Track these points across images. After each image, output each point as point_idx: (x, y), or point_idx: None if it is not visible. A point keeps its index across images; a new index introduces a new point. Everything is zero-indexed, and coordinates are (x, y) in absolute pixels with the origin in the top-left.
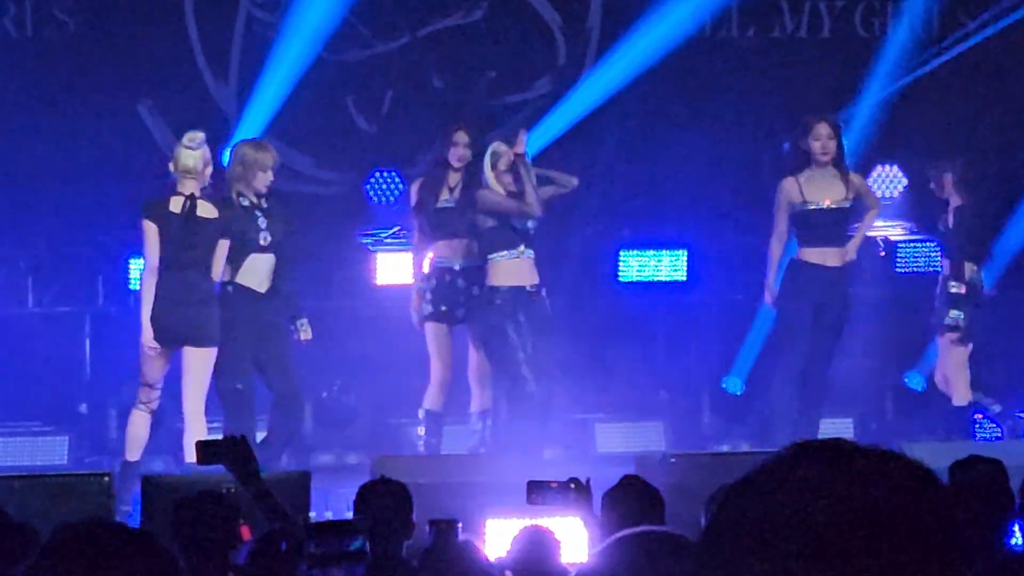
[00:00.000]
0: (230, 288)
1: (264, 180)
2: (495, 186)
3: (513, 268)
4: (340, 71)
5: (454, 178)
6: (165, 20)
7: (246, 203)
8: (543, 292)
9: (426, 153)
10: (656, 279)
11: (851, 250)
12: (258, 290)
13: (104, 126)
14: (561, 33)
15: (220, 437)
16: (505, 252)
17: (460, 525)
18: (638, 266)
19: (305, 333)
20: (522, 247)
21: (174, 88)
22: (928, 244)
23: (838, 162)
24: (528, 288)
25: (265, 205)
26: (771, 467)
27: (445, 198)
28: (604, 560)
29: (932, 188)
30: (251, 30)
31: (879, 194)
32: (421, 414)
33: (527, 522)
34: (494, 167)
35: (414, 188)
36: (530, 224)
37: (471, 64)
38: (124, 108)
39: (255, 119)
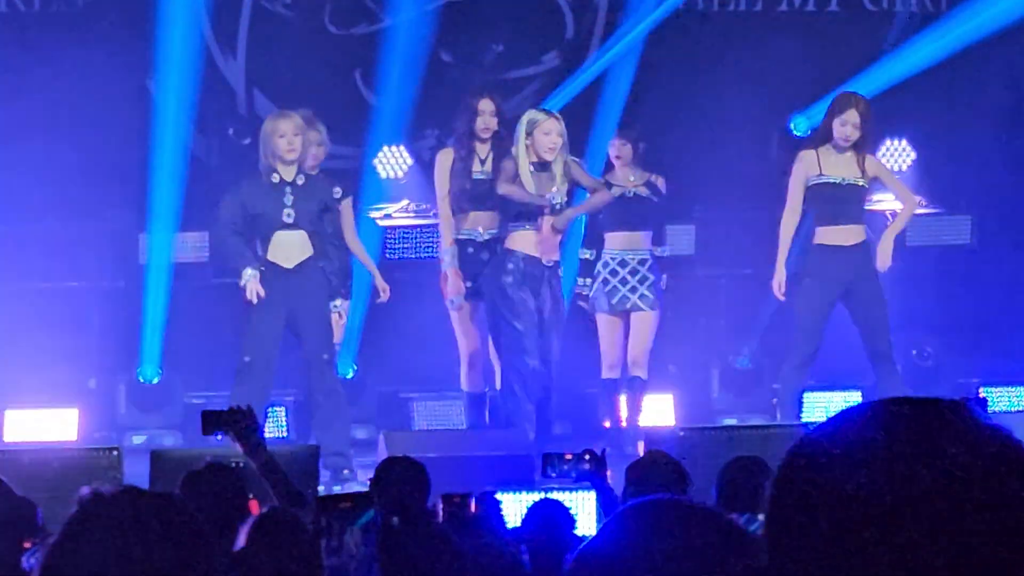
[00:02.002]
0: (260, 265)
1: (284, 145)
2: (523, 156)
3: (531, 239)
4: (348, 45)
5: (483, 149)
6: None
7: (276, 179)
8: (559, 270)
9: (433, 128)
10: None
11: (886, 246)
12: (285, 266)
13: (113, 101)
14: (568, 7)
15: (223, 408)
16: (527, 223)
17: (473, 500)
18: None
19: (339, 317)
20: (546, 219)
21: (182, 63)
22: (940, 217)
23: (859, 145)
24: (544, 262)
25: (300, 182)
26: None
27: (478, 170)
28: (612, 531)
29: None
30: (259, 5)
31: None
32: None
33: (540, 496)
34: (529, 134)
35: (442, 162)
36: (556, 200)
37: (479, 38)
38: (133, 83)
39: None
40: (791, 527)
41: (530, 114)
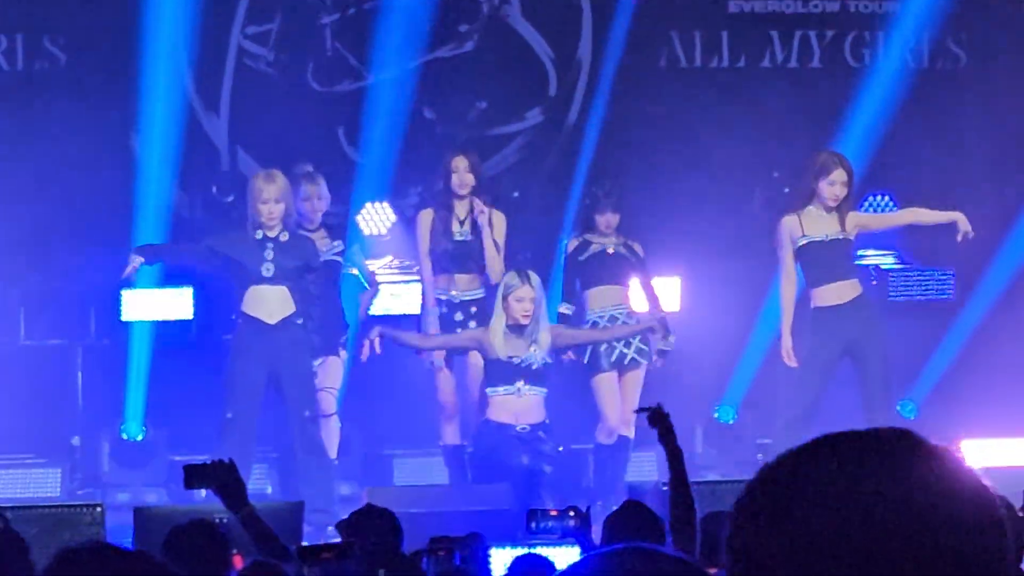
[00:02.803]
0: (236, 317)
1: (265, 212)
2: (499, 316)
3: (504, 405)
4: (331, 102)
5: (462, 209)
6: (156, 52)
7: (259, 235)
8: (541, 433)
9: (416, 184)
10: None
11: (950, 216)
12: (267, 321)
13: (96, 159)
14: (552, 64)
15: (208, 461)
16: (500, 388)
17: (459, 546)
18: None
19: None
20: (520, 383)
21: (166, 120)
22: (923, 272)
23: (840, 205)
24: (517, 428)
25: (283, 239)
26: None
27: (457, 230)
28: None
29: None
30: (242, 62)
31: None
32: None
33: (524, 551)
34: (504, 297)
35: (423, 222)
36: (534, 359)
37: (462, 95)
38: (116, 141)
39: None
40: (753, 569)
41: (508, 276)
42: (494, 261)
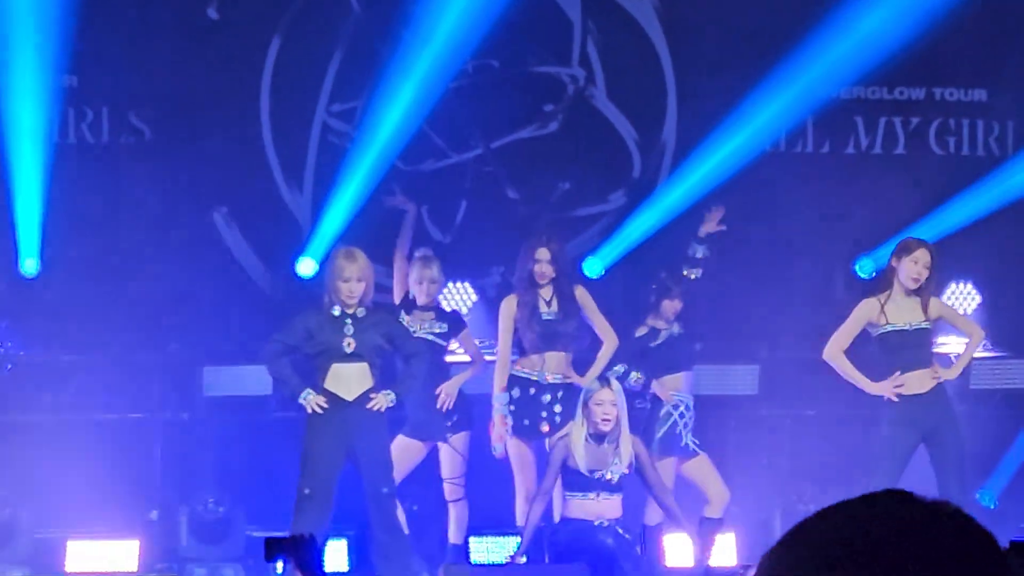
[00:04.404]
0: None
1: (345, 291)
2: (579, 426)
3: (583, 507)
4: (414, 181)
5: (547, 291)
6: (240, 128)
7: (337, 311)
8: (619, 529)
9: (498, 264)
10: (728, 392)
11: (955, 371)
12: (345, 397)
13: (178, 233)
14: (636, 146)
15: (287, 535)
16: (579, 494)
17: None
18: (712, 380)
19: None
20: (594, 493)
21: (249, 196)
22: (1005, 360)
23: (923, 289)
24: (595, 524)
25: (360, 314)
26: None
27: (545, 311)
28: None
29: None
30: (326, 139)
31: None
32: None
33: None
34: (584, 404)
35: (507, 307)
36: (610, 475)
37: (545, 176)
38: (199, 216)
39: (329, 228)
40: None
41: (588, 384)
42: (604, 329)
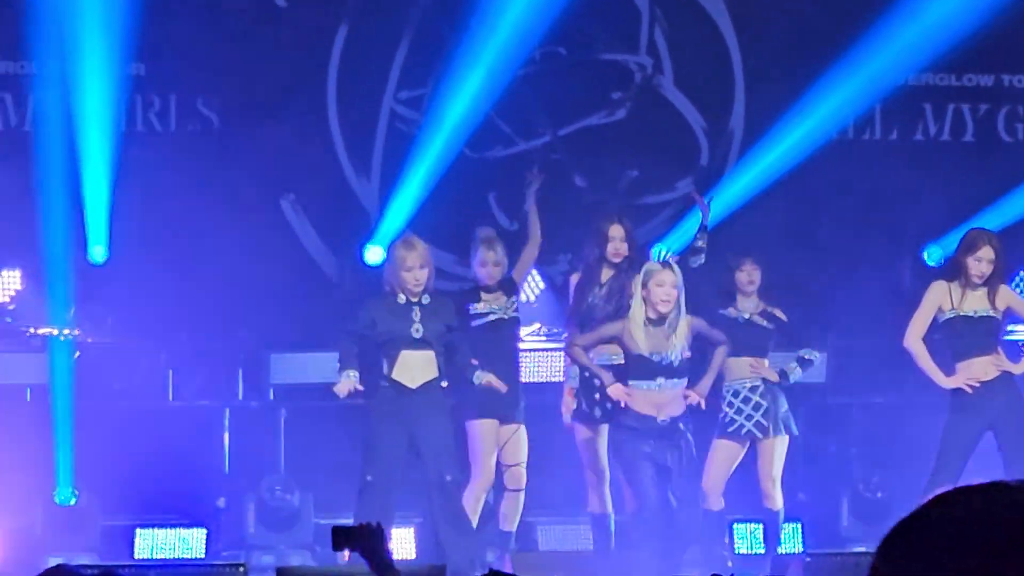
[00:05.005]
0: (384, 383)
1: (411, 280)
2: (639, 308)
3: (645, 398)
4: (482, 168)
5: (606, 274)
6: (308, 116)
7: (403, 299)
8: (682, 425)
9: (565, 252)
10: (796, 381)
11: (1022, 366)
12: (408, 385)
13: (246, 221)
14: (703, 133)
15: (353, 523)
16: (642, 383)
17: None
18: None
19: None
20: (660, 379)
21: (316, 184)
22: None
23: (991, 279)
24: (658, 420)
25: (426, 301)
26: (926, 512)
27: (593, 294)
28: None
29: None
30: (394, 127)
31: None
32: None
33: None
34: (644, 285)
35: (572, 284)
36: (673, 357)
37: (613, 163)
38: (266, 203)
39: (396, 216)
40: None
41: (648, 265)
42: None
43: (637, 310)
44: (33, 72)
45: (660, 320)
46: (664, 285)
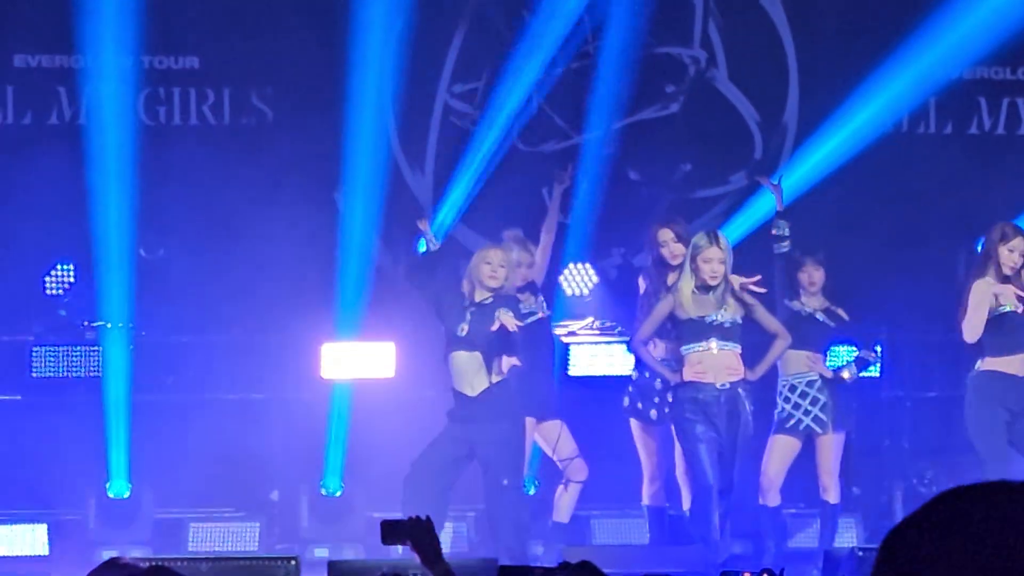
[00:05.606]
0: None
1: (487, 271)
2: (688, 279)
3: (701, 362)
4: (535, 162)
5: (672, 278)
6: (362, 110)
7: (466, 290)
8: (739, 389)
9: (619, 246)
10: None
11: None
12: (468, 394)
13: (299, 214)
14: (757, 127)
15: (404, 517)
16: (695, 345)
17: None
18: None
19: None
20: (714, 340)
21: (370, 177)
22: None
23: (1021, 272)
24: (717, 386)
25: (487, 301)
26: (929, 511)
27: (661, 298)
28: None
29: None
30: (448, 120)
31: None
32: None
33: None
34: (693, 259)
35: (640, 282)
36: (724, 318)
37: (666, 157)
38: (320, 197)
39: (450, 209)
40: None
41: (696, 238)
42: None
43: (686, 282)
44: (86, 66)
45: (707, 290)
46: (711, 261)
